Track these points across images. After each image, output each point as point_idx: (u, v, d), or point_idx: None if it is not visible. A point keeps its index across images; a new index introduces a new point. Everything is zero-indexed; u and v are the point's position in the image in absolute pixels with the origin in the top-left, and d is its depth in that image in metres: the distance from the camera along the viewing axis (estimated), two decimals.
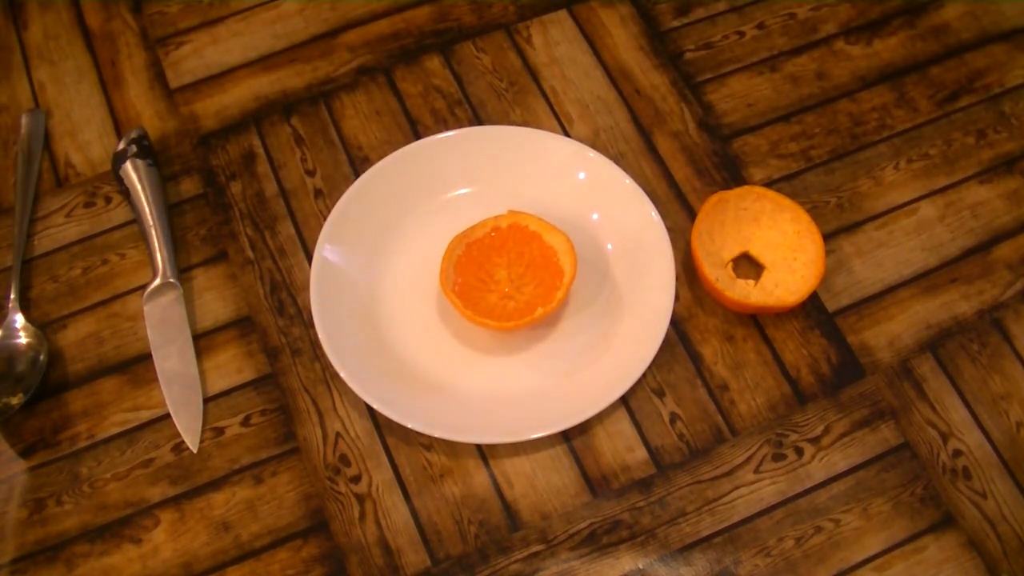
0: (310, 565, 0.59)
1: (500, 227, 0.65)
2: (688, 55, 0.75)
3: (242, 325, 0.66)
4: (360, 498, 0.60)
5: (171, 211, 0.69)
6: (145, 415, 0.63)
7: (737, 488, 0.61)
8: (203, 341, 0.65)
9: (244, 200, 0.70)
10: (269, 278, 0.67)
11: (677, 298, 0.66)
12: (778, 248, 0.66)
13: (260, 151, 0.71)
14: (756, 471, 0.61)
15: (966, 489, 0.61)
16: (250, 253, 0.68)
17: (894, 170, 0.71)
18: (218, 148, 0.72)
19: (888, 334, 0.65)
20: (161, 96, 0.74)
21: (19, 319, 0.65)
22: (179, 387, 0.63)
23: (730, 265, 0.66)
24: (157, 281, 0.65)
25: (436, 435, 0.60)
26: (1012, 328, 0.65)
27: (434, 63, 0.75)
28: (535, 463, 0.61)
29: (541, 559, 0.59)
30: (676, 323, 0.65)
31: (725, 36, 0.76)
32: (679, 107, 0.73)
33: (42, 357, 0.63)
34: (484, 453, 0.62)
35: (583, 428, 0.62)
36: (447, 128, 0.72)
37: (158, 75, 0.75)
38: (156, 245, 0.66)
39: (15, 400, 0.62)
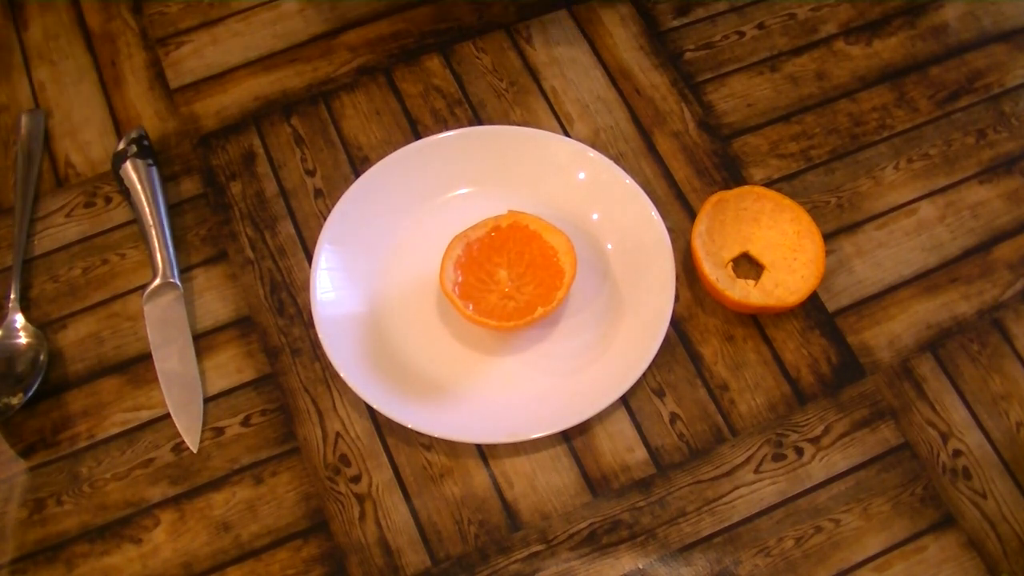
0: (310, 565, 0.59)
1: (500, 227, 0.65)
2: (688, 55, 0.75)
3: (242, 325, 0.66)
4: (360, 498, 0.60)
5: (171, 211, 0.69)
6: (145, 415, 0.63)
7: (737, 488, 0.61)
8: (203, 341, 0.65)
9: (244, 200, 0.70)
10: (269, 278, 0.67)
11: (677, 298, 0.66)
12: (778, 248, 0.66)
13: (260, 151, 0.71)
14: (756, 471, 0.61)
15: (966, 489, 0.61)
16: (250, 253, 0.68)
17: (894, 170, 0.71)
18: (218, 148, 0.72)
19: (888, 334, 0.65)
20: (161, 96, 0.74)
21: (19, 319, 0.65)
22: (179, 387, 0.63)
23: (730, 265, 0.66)
24: (157, 281, 0.65)
25: (436, 435, 0.60)
26: (1012, 328, 0.65)
27: (434, 63, 0.75)
28: (535, 463, 0.61)
29: (541, 559, 0.59)
30: (676, 323, 0.65)
31: (725, 36, 0.76)
32: (679, 107, 0.73)
33: (42, 357, 0.63)
34: (484, 453, 0.62)
35: (583, 428, 0.62)
36: (447, 128, 0.72)
37: (158, 75, 0.75)
38: (156, 245, 0.66)
39: (15, 400, 0.62)
